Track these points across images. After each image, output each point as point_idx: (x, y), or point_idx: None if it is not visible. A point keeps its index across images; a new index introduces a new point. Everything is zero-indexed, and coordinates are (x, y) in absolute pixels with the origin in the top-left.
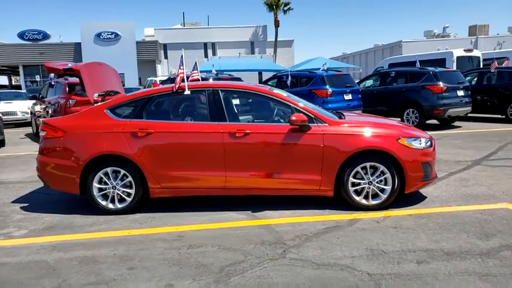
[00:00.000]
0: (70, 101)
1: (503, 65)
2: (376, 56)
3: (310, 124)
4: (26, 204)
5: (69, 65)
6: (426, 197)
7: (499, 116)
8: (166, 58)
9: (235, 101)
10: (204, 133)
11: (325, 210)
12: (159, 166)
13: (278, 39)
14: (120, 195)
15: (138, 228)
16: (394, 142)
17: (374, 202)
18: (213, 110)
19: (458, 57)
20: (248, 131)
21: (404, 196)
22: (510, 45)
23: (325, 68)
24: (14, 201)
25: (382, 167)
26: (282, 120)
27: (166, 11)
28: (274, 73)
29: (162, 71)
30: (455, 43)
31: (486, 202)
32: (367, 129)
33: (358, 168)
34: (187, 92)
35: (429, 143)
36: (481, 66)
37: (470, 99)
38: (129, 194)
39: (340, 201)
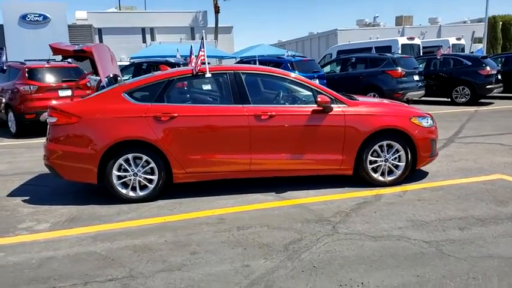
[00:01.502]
0: (31, 87)
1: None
2: (312, 43)
3: (331, 105)
4: (26, 198)
5: (80, 45)
6: (428, 173)
7: (445, 99)
8: (102, 43)
9: (258, 84)
10: (229, 116)
11: (345, 188)
12: (183, 151)
13: (218, 26)
14: (142, 182)
15: (171, 215)
16: (407, 121)
17: (390, 178)
18: (236, 92)
19: (402, 45)
20: (273, 113)
21: (414, 172)
22: (431, 35)
23: (290, 54)
24: (9, 195)
25: (397, 145)
26: (303, 103)
27: None
28: (218, 59)
29: None
30: (385, 32)
31: (481, 174)
32: (383, 109)
33: (376, 147)
34: (208, 74)
35: (432, 121)
36: (421, 53)
37: (423, 83)
38: (150, 181)
39: (356, 179)
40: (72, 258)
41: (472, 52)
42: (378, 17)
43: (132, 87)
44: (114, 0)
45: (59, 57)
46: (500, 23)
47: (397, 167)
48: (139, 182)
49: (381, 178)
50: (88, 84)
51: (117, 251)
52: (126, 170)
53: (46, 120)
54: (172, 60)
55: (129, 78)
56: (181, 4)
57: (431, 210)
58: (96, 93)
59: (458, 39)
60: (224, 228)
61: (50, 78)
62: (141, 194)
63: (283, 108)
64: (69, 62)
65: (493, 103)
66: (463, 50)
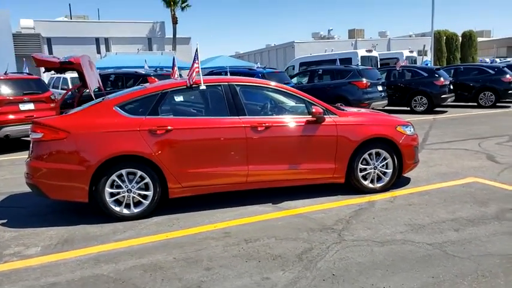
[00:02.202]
0: None
1: (394, 65)
2: (270, 55)
3: (324, 116)
4: (3, 221)
5: (66, 56)
6: (410, 178)
7: (405, 108)
8: (51, 54)
9: (251, 95)
10: (226, 128)
11: (337, 196)
12: (179, 164)
13: (176, 37)
14: (136, 199)
15: (172, 231)
16: (393, 130)
17: (379, 185)
18: (231, 104)
19: (362, 57)
20: (269, 124)
21: (399, 178)
22: (382, 48)
23: (259, 66)
24: None
25: (384, 153)
26: (296, 114)
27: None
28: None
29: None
30: (339, 44)
31: (456, 178)
32: (370, 118)
33: (366, 155)
34: (203, 86)
35: (413, 129)
36: (379, 65)
37: (386, 93)
38: (145, 197)
39: (346, 186)
40: (79, 284)
41: (426, 64)
42: (332, 30)
43: (124, 100)
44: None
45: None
46: (444, 37)
47: (384, 173)
48: (134, 198)
49: (370, 185)
50: (52, 97)
51: (125, 272)
52: (119, 187)
53: (4, 137)
54: (142, 71)
55: (95, 90)
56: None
57: (424, 214)
58: (84, 107)
59: (411, 52)
60: (232, 242)
61: (9, 91)
62: (135, 211)
63: (278, 119)
64: (28, 74)
65: (446, 111)
66: (415, 61)
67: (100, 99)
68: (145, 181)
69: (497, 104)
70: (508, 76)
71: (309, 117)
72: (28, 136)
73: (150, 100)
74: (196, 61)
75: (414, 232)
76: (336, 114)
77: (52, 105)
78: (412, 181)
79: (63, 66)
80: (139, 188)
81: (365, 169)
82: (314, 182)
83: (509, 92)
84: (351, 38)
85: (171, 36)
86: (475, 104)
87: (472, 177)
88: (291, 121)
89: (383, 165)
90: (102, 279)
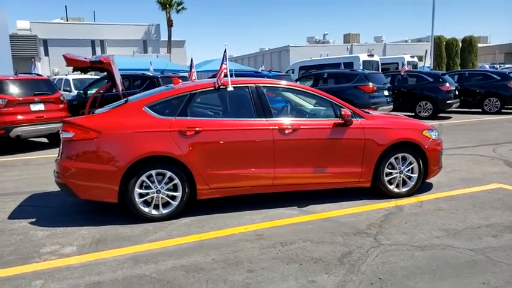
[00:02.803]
0: (0, 100)
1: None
2: (265, 59)
3: (352, 119)
4: (32, 220)
5: (96, 56)
6: (432, 184)
7: (410, 113)
8: (47, 55)
9: (278, 97)
10: (254, 130)
11: (363, 201)
12: (208, 166)
13: (171, 39)
14: (164, 200)
15: (203, 232)
16: (420, 134)
17: (404, 189)
18: (258, 106)
19: (363, 61)
20: (296, 127)
21: (423, 183)
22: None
23: (263, 69)
24: (11, 218)
25: (410, 157)
26: (323, 116)
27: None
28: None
29: (43, 70)
30: (335, 49)
31: (480, 184)
32: (397, 122)
33: (392, 159)
34: (230, 88)
35: (438, 134)
36: (380, 69)
37: (391, 98)
38: (173, 198)
39: (370, 191)
40: (124, 283)
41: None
42: (327, 34)
43: (153, 100)
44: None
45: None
46: (444, 42)
47: (410, 178)
48: (163, 199)
49: (396, 190)
50: (61, 98)
51: (167, 273)
52: (148, 187)
53: (16, 137)
54: (149, 73)
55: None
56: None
57: (456, 219)
58: (111, 107)
59: (412, 57)
60: (267, 245)
61: (20, 92)
62: (164, 212)
63: (305, 122)
64: (37, 75)
65: (451, 117)
66: (415, 67)
67: (123, 100)
68: (174, 182)
69: (502, 111)
70: None
71: (337, 120)
72: (38, 137)
73: (179, 101)
74: (225, 62)
75: (451, 237)
76: (363, 117)
77: (61, 106)
78: (435, 186)
79: (93, 66)
80: (168, 189)
81: (391, 173)
82: (340, 186)
83: None
84: (346, 43)
85: (166, 39)
86: (480, 110)
87: (495, 183)
88: (318, 124)
89: (408, 170)
90: (146, 279)
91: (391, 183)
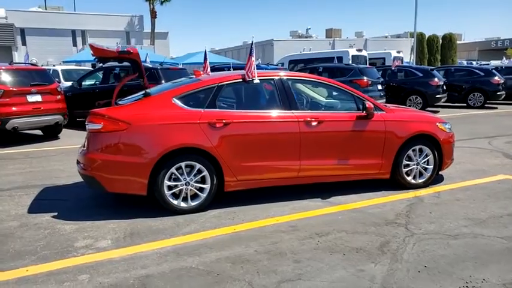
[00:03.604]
0: None
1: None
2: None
3: (374, 111)
4: (54, 213)
5: (125, 46)
6: (443, 175)
7: None
8: (25, 45)
9: (301, 90)
10: (281, 122)
11: (382, 192)
12: (236, 158)
13: (154, 31)
14: (193, 192)
15: (236, 224)
16: (435, 126)
17: (420, 181)
18: (284, 98)
19: (352, 56)
20: (321, 119)
21: (437, 174)
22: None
23: (260, 62)
24: (32, 212)
25: (427, 149)
26: (345, 109)
27: None
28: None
29: (20, 60)
30: (317, 43)
31: (487, 175)
32: (414, 115)
33: (410, 151)
34: (257, 80)
35: (451, 126)
36: (367, 64)
37: (384, 92)
38: (201, 190)
39: (388, 182)
40: (173, 276)
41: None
42: (310, 29)
43: (182, 92)
44: None
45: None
46: (426, 39)
47: (426, 169)
48: (192, 191)
49: (413, 181)
50: (58, 89)
51: (214, 265)
52: (176, 179)
53: (12, 129)
54: (148, 65)
55: (95, 83)
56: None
57: (477, 209)
58: (134, 99)
59: (398, 52)
60: (304, 236)
61: (16, 82)
62: (192, 204)
63: (329, 114)
64: (33, 64)
65: (439, 111)
66: (401, 61)
67: (141, 93)
68: (202, 174)
69: (486, 105)
70: (496, 78)
71: (360, 113)
72: (35, 129)
73: (207, 93)
74: (253, 55)
75: (478, 226)
76: (383, 110)
77: (59, 97)
78: (446, 178)
79: (120, 56)
80: (196, 181)
81: (408, 165)
82: (361, 178)
83: (498, 93)
84: (328, 37)
85: (149, 31)
86: (464, 104)
87: (501, 174)
88: (342, 116)
89: (424, 162)
90: (194, 271)
91: (408, 175)
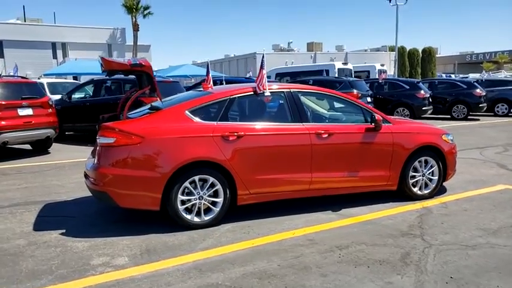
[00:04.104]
0: None
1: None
2: (231, 65)
3: (382, 124)
4: (62, 231)
5: (136, 59)
6: (445, 186)
7: None
8: (3, 57)
9: (311, 103)
10: (293, 134)
11: (390, 203)
12: (249, 171)
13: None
14: (206, 206)
15: (252, 238)
16: (440, 138)
17: (426, 192)
18: (295, 110)
19: (339, 69)
20: (332, 131)
21: (442, 185)
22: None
23: (251, 75)
24: (38, 230)
25: (432, 161)
26: (353, 121)
27: None
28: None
29: None
30: (299, 57)
31: (487, 185)
32: (419, 127)
33: (416, 163)
34: (267, 93)
35: (453, 138)
36: (353, 76)
37: (373, 105)
38: (214, 204)
39: (394, 193)
40: None
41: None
42: (292, 42)
43: (194, 105)
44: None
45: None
46: (407, 52)
47: (431, 180)
48: (205, 205)
49: (419, 192)
50: (50, 102)
51: (241, 281)
52: (189, 194)
53: (2, 144)
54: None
55: (86, 97)
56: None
57: (487, 219)
58: (142, 112)
59: (382, 65)
60: (325, 249)
61: (6, 95)
62: (206, 218)
63: (339, 126)
64: (22, 77)
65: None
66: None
67: (147, 107)
68: (216, 188)
69: (468, 117)
70: (478, 90)
71: (368, 125)
72: (26, 143)
73: (219, 105)
74: (264, 67)
75: (492, 236)
76: (390, 123)
77: (50, 110)
78: (449, 189)
79: (133, 69)
80: (209, 195)
81: (414, 176)
82: (370, 190)
83: (480, 105)
84: (309, 51)
85: (132, 43)
86: (449, 116)
87: (500, 184)
88: (351, 128)
89: (429, 173)
90: None
91: (414, 186)
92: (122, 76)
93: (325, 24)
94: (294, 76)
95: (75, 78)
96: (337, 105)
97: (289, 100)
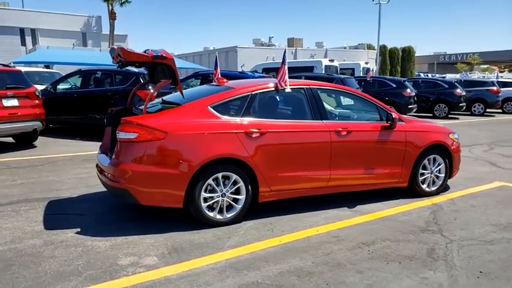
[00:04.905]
0: None
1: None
2: (211, 58)
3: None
4: (76, 229)
5: (157, 50)
6: (447, 183)
7: None
8: None
9: (328, 100)
10: (314, 132)
11: (401, 200)
12: (271, 168)
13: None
14: (228, 203)
15: (277, 236)
16: (447, 137)
17: (433, 188)
18: (315, 108)
19: (326, 66)
20: (350, 129)
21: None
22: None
23: (244, 70)
24: (50, 229)
25: (440, 159)
26: (368, 119)
27: None
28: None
29: None
30: (280, 52)
31: (485, 182)
32: (428, 126)
33: (425, 160)
34: (288, 89)
35: (458, 136)
36: (339, 73)
37: None
38: (235, 201)
39: (400, 190)
40: None
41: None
42: (273, 37)
43: (217, 100)
44: None
45: None
46: (388, 51)
47: (438, 177)
48: (227, 202)
49: (427, 189)
50: (36, 93)
51: (280, 279)
52: (211, 191)
53: None
54: (134, 69)
55: (72, 88)
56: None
57: (495, 215)
58: (180, 107)
59: (366, 63)
60: (352, 246)
61: None
62: (228, 216)
63: (357, 124)
64: (4, 65)
65: None
66: (367, 71)
67: (158, 101)
68: (238, 185)
69: (449, 116)
70: (458, 90)
71: (384, 123)
72: (10, 136)
73: (242, 101)
74: (285, 63)
75: (505, 231)
76: (403, 121)
77: (37, 101)
78: (451, 186)
79: (154, 61)
80: (231, 192)
81: (422, 174)
82: (383, 187)
83: (460, 104)
84: (290, 47)
85: (108, 32)
86: (431, 114)
87: (497, 181)
88: (368, 126)
89: (437, 170)
90: (262, 287)
91: (423, 183)
92: (113, 68)
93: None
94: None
95: (47, 67)
96: (352, 102)
97: (309, 97)
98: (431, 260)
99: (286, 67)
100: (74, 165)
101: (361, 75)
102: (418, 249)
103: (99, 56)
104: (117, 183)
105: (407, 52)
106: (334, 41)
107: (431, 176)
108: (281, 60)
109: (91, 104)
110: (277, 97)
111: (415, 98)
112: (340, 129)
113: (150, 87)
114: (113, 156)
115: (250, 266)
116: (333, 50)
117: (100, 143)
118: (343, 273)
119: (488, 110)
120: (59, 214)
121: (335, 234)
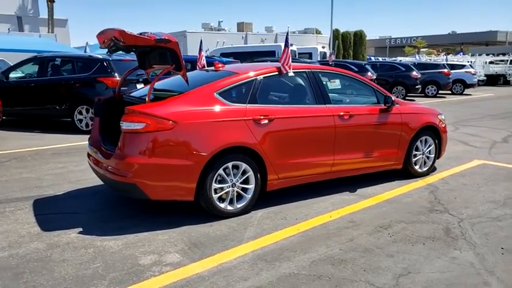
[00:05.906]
0: None
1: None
2: None
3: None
4: (79, 229)
5: (160, 33)
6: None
7: None
8: None
9: (328, 84)
10: (319, 116)
11: (397, 182)
12: (279, 155)
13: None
14: (239, 193)
15: (294, 225)
16: (437, 118)
17: (425, 169)
18: (318, 92)
19: None
20: (352, 113)
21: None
22: (269, 42)
23: (212, 54)
24: (50, 230)
25: (430, 140)
26: (366, 102)
27: None
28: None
29: None
30: (230, 36)
31: (464, 161)
32: (420, 108)
33: (418, 142)
34: (291, 73)
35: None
36: (297, 58)
37: None
38: (244, 191)
39: (393, 172)
40: (288, 285)
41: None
42: (222, 21)
43: (222, 86)
44: None
45: None
46: (341, 35)
47: (428, 158)
48: (237, 192)
49: (419, 170)
50: None
51: (315, 268)
52: (221, 181)
53: None
54: (99, 55)
55: (27, 76)
56: None
57: (489, 192)
58: (185, 94)
59: (323, 47)
60: (371, 230)
61: None
62: (238, 206)
63: (358, 108)
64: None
65: None
66: (324, 56)
67: (146, 88)
68: (247, 174)
69: (406, 98)
70: (414, 73)
71: (381, 106)
72: None
73: (247, 87)
74: (288, 46)
75: (505, 207)
76: (397, 104)
77: None
78: (437, 165)
79: (157, 45)
80: (240, 182)
81: (415, 155)
82: (381, 169)
83: (416, 87)
84: (240, 31)
85: (46, 17)
86: None
87: (476, 160)
88: (367, 110)
89: (428, 151)
90: (303, 278)
91: (415, 164)
92: (73, 54)
93: (255, 4)
94: (238, 57)
95: None
96: (350, 85)
97: (312, 81)
98: (451, 239)
99: (289, 50)
100: (44, 159)
101: (319, 59)
102: (434, 229)
103: (37, 42)
104: (123, 178)
105: (359, 36)
106: (282, 26)
107: (423, 157)
108: (283, 44)
109: (50, 94)
110: (281, 82)
111: (375, 81)
112: (342, 113)
113: (116, 74)
114: (117, 149)
115: (280, 256)
116: (283, 35)
117: (64, 135)
118: (375, 258)
119: (440, 91)
120: (51, 214)
121: (349, 219)
